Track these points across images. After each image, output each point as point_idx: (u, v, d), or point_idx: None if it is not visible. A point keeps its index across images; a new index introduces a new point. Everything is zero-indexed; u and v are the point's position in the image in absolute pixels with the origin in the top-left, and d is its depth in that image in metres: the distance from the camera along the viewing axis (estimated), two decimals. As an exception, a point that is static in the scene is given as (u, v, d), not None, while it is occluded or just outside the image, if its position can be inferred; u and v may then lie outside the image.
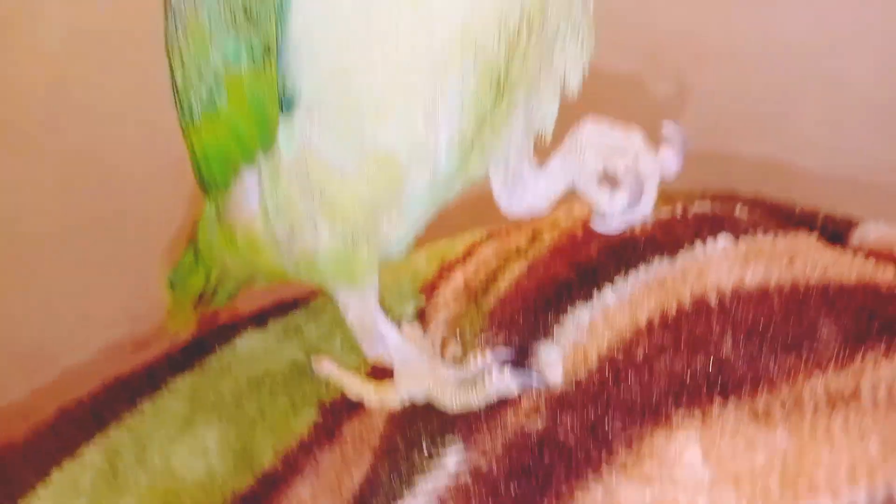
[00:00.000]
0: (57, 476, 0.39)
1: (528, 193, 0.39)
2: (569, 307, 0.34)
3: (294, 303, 0.46)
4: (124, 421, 0.40)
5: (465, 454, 0.31)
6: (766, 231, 0.39)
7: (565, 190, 0.38)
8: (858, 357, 0.27)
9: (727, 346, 0.29)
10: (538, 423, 0.29)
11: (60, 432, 0.41)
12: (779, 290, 0.33)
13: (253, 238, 0.38)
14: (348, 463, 0.36)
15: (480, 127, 0.33)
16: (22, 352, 0.68)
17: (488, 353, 0.34)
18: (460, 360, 0.37)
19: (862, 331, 0.30)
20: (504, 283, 0.39)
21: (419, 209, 0.35)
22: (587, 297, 0.34)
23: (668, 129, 0.37)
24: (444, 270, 0.43)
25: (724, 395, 0.27)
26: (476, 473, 0.29)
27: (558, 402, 0.29)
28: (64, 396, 0.49)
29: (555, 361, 0.32)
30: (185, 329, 0.51)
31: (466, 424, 0.31)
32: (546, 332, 0.34)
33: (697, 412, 0.27)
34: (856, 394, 0.25)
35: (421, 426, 0.33)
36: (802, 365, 0.27)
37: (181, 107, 0.36)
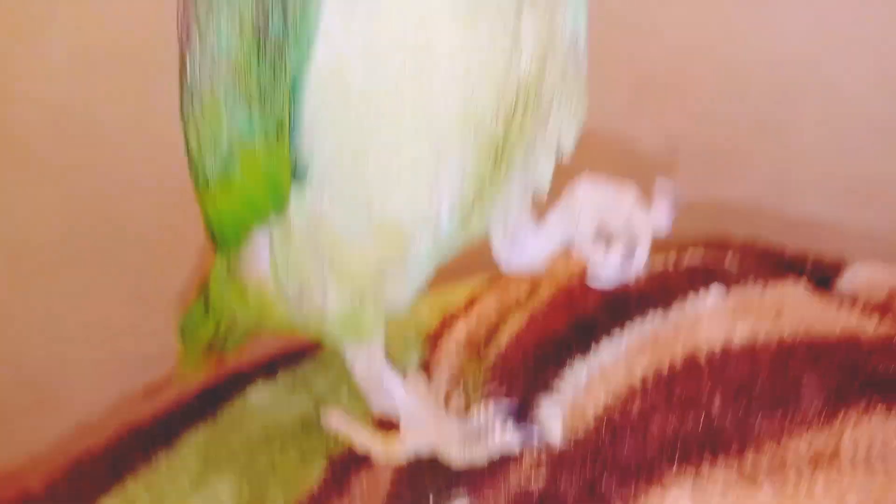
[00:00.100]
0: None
1: (526, 249, 0.40)
2: (567, 363, 0.35)
3: (302, 353, 0.47)
4: (140, 473, 0.41)
5: (472, 509, 0.32)
6: (755, 282, 0.41)
7: (562, 246, 0.40)
8: (839, 416, 0.29)
9: (716, 405, 0.31)
10: (540, 481, 0.30)
11: (78, 484, 0.43)
12: (766, 347, 0.34)
13: (263, 295, 0.40)
14: (357, 516, 0.37)
15: (480, 191, 0.35)
16: (32, 397, 0.69)
17: (491, 408, 0.35)
18: (464, 413, 0.38)
19: (844, 387, 0.32)
20: (505, 337, 0.40)
21: (422, 269, 0.37)
22: (584, 352, 0.36)
23: (660, 185, 0.38)
24: (447, 321, 0.45)
25: (714, 454, 0.29)
26: (482, 528, 0.31)
27: (558, 460, 0.31)
28: (77, 443, 0.51)
29: (555, 418, 0.33)
30: (195, 374, 0.52)
31: (472, 479, 0.33)
32: (546, 388, 0.35)
33: (690, 470, 0.28)
34: (836, 453, 0.27)
35: (427, 480, 0.34)
36: (787, 424, 0.29)
37: (195, 171, 0.37)
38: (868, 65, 0.70)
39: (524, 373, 0.37)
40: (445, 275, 0.50)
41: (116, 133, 0.72)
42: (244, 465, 0.40)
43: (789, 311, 0.38)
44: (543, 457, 0.32)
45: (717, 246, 0.49)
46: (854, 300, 0.44)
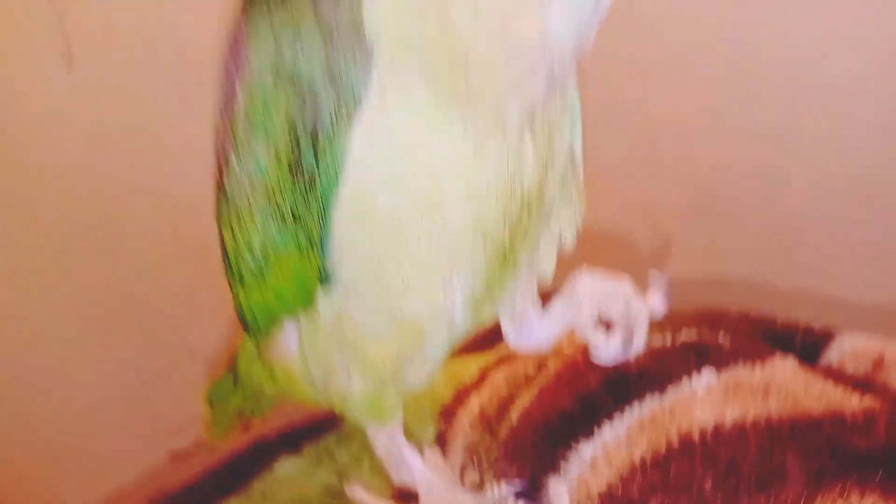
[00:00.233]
0: None
1: (533, 332, 0.44)
2: (573, 443, 0.39)
3: (325, 425, 0.51)
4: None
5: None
6: (745, 361, 0.44)
7: (566, 330, 0.44)
8: (818, 498, 0.32)
9: (708, 486, 0.34)
10: (549, 559, 0.33)
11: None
12: (754, 426, 0.38)
13: (291, 375, 0.43)
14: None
15: (490, 287, 0.39)
16: (62, 464, 0.72)
17: (503, 485, 0.39)
18: (478, 487, 0.41)
19: (825, 467, 0.35)
20: (515, 413, 0.44)
21: (438, 354, 0.40)
22: (589, 431, 0.39)
23: (653, 276, 0.42)
24: (460, 395, 0.48)
25: (706, 533, 0.32)
26: None
27: (566, 539, 0.34)
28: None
29: (562, 496, 0.36)
30: (222, 439, 0.55)
31: (486, 554, 0.36)
32: (554, 466, 0.39)
33: (684, 551, 0.31)
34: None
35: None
36: (772, 504, 0.32)
37: (230, 268, 0.41)
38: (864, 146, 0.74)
39: (533, 450, 0.40)
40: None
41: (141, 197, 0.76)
42: (275, 538, 0.43)
43: (777, 388, 0.41)
44: (552, 534, 0.35)
45: (713, 316, 0.52)
46: (841, 371, 0.47)
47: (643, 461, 0.36)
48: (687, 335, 0.47)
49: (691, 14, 0.73)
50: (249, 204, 0.36)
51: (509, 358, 0.50)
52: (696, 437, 0.37)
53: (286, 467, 0.48)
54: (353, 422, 0.43)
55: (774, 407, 0.39)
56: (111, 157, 0.76)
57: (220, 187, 0.38)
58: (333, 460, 0.48)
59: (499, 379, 0.48)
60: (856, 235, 0.77)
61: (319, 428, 0.51)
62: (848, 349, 0.50)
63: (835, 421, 0.39)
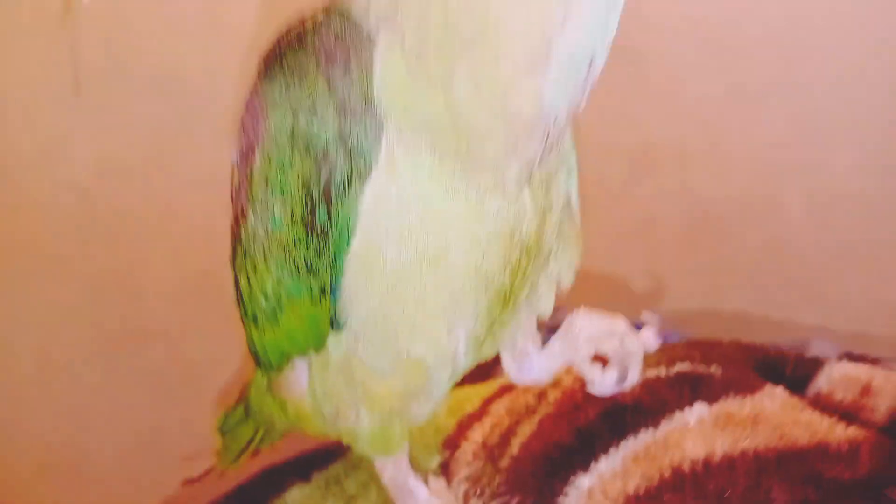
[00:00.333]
0: None
1: (533, 367, 0.46)
2: (571, 475, 0.41)
3: (333, 454, 0.52)
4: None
5: None
6: (736, 392, 0.46)
7: (564, 366, 0.46)
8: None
9: (699, 517, 0.36)
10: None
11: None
12: (742, 458, 0.40)
13: (301, 410, 0.45)
14: None
15: (491, 327, 0.41)
16: (75, 492, 0.73)
17: (505, 515, 0.40)
18: (481, 517, 0.43)
19: (809, 497, 0.37)
20: (516, 444, 0.46)
21: (442, 390, 0.43)
22: (587, 464, 0.41)
23: (647, 315, 0.44)
24: (463, 425, 0.50)
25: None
26: None
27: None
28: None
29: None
30: (233, 467, 0.57)
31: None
32: (553, 496, 0.41)
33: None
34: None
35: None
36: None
37: (244, 311, 0.43)
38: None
39: (533, 481, 0.42)
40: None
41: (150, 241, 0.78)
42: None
43: (766, 420, 0.43)
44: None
45: (706, 346, 0.54)
46: (829, 399, 0.49)
47: (637, 493, 0.38)
48: (681, 367, 0.49)
49: (688, 39, 0.75)
50: (265, 254, 0.38)
51: (510, 388, 0.52)
52: (686, 469, 0.39)
53: (295, 495, 0.50)
54: (359, 453, 0.45)
55: (763, 438, 0.41)
56: (118, 186, 0.78)
57: (236, 235, 0.40)
58: (342, 488, 0.49)
59: (500, 409, 0.50)
60: (851, 257, 0.79)
61: (328, 456, 0.53)
62: (837, 377, 0.52)
63: (820, 452, 0.41)
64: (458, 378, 0.44)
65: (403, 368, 0.39)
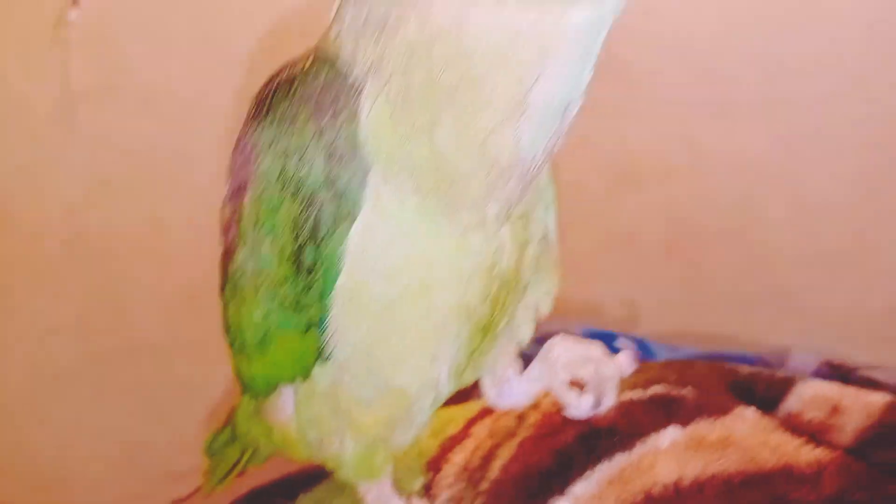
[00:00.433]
0: None
1: (512, 393, 0.48)
2: (549, 499, 0.42)
3: (320, 475, 0.54)
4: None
5: None
6: (708, 414, 0.48)
7: (542, 391, 0.47)
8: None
9: (669, 541, 0.37)
10: None
11: None
12: (711, 481, 0.42)
13: (287, 435, 0.46)
14: None
15: (471, 356, 0.42)
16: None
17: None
18: (463, 538, 0.45)
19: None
20: (496, 466, 0.47)
21: (424, 417, 0.44)
22: (564, 487, 0.43)
23: (622, 341, 0.46)
24: (446, 448, 0.51)
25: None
26: None
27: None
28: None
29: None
30: (220, 487, 0.58)
31: None
32: (531, 519, 0.42)
33: None
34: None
35: None
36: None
37: (233, 341, 0.44)
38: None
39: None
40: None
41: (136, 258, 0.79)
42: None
43: (736, 443, 0.45)
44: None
45: (681, 366, 0.56)
46: (799, 418, 0.51)
47: (612, 515, 0.40)
48: (656, 389, 0.51)
49: (671, 54, 0.77)
50: (253, 288, 0.39)
51: (491, 410, 0.54)
52: (657, 493, 0.41)
53: (283, 518, 0.51)
54: (344, 478, 0.47)
55: (732, 461, 0.43)
56: (108, 203, 0.79)
57: (226, 268, 0.41)
58: (328, 510, 0.51)
59: (482, 431, 0.51)
60: (831, 268, 0.81)
61: (314, 477, 0.54)
62: (807, 396, 0.54)
63: (785, 474, 0.43)
64: (440, 404, 0.45)
65: (387, 397, 0.41)
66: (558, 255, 0.44)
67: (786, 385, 0.55)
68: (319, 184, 0.35)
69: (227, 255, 0.41)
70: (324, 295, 0.37)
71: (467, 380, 0.45)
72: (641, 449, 0.44)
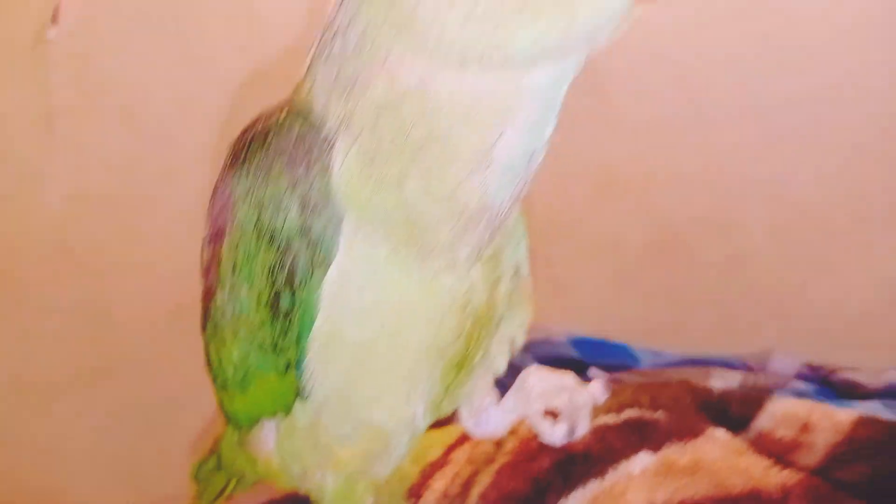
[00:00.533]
0: None
1: (489, 422, 0.49)
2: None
3: (305, 498, 0.55)
4: None
5: None
6: (679, 438, 0.49)
7: (518, 420, 0.49)
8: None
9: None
10: None
11: None
12: (680, 508, 0.43)
13: (270, 466, 0.47)
14: None
15: (447, 390, 0.43)
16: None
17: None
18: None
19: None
20: (475, 493, 0.48)
21: (402, 451, 0.45)
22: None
23: (594, 371, 0.47)
24: (426, 473, 0.53)
25: None
26: None
27: None
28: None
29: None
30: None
31: None
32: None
33: None
34: None
35: None
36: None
37: (215, 378, 0.45)
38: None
39: (491, 532, 0.45)
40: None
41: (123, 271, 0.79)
42: None
43: (706, 468, 0.46)
44: None
45: (655, 388, 0.57)
46: (770, 436, 0.52)
47: (585, 542, 0.41)
48: (630, 413, 0.52)
49: (649, 62, 0.78)
50: (233, 331, 0.40)
51: (471, 439, 0.55)
52: (629, 520, 0.42)
53: (269, 543, 0.52)
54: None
55: (700, 487, 0.44)
56: (91, 219, 0.79)
57: (206, 308, 0.42)
58: (312, 536, 0.52)
59: (461, 458, 0.53)
60: (811, 271, 0.82)
61: (300, 501, 0.55)
62: (778, 414, 0.55)
63: (753, 498, 0.44)
64: (418, 436, 0.47)
65: (365, 434, 0.42)
66: (531, 289, 0.45)
67: (757, 404, 0.57)
68: (294, 233, 0.36)
69: (208, 296, 0.42)
70: (301, 338, 0.38)
71: (445, 411, 0.46)
72: (614, 476, 0.45)
